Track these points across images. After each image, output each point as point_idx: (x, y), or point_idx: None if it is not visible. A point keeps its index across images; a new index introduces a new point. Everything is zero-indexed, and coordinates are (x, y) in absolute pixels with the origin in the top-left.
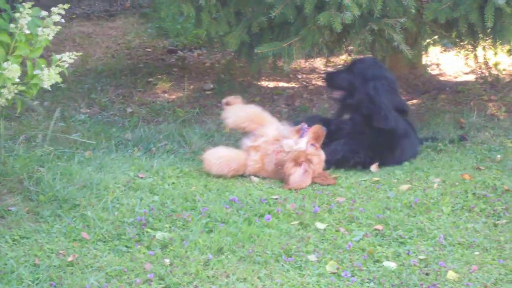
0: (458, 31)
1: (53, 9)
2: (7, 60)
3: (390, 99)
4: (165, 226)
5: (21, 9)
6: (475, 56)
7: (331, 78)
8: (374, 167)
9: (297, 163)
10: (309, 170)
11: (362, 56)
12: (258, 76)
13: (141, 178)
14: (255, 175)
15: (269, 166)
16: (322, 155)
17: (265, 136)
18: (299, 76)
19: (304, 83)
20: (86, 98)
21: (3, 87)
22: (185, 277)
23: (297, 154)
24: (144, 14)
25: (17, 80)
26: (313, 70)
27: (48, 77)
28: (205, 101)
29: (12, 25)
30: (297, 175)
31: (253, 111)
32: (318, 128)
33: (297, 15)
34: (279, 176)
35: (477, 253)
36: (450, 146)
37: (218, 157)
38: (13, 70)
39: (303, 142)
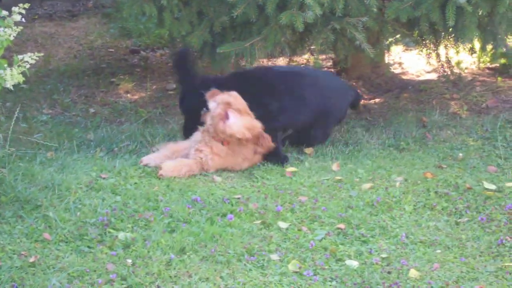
0: (420, 30)
1: (14, 8)
2: None
3: None
4: (127, 226)
5: None
6: (437, 55)
7: None
8: (335, 166)
9: (222, 115)
10: (235, 111)
11: None
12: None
13: (103, 178)
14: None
15: (219, 150)
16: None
17: (196, 138)
18: None
19: None
20: (48, 99)
21: None
22: (148, 277)
23: (216, 112)
24: (107, 14)
25: None
26: None
27: (11, 77)
28: (167, 101)
29: None
30: (232, 120)
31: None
32: (212, 92)
33: (259, 15)
34: (236, 157)
35: (439, 251)
36: (412, 144)
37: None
38: None
39: (211, 104)
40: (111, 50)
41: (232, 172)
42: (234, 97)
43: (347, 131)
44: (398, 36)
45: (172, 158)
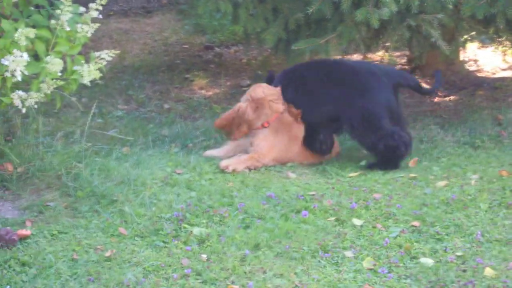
0: (496, 27)
1: (91, 5)
2: (48, 55)
3: None
4: (202, 221)
5: (61, 6)
6: None
7: None
8: (412, 162)
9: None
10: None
11: None
12: None
13: (178, 174)
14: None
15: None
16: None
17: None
18: None
19: None
20: (123, 95)
21: (43, 82)
22: (222, 272)
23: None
24: (181, 11)
25: (59, 74)
26: None
27: (88, 73)
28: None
29: (52, 21)
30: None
31: None
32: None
33: (334, 12)
34: (289, 149)
35: None
36: (487, 142)
37: None
38: (55, 64)
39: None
40: (185, 46)
41: (307, 168)
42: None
43: (422, 128)
44: (473, 33)
45: (234, 153)
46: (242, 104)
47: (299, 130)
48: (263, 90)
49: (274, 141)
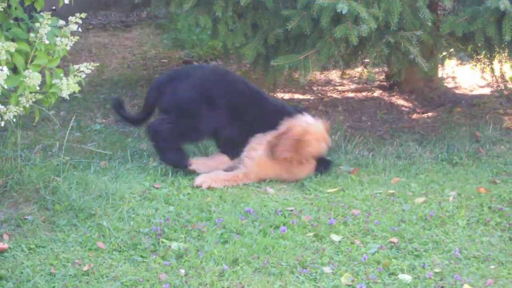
0: (475, 44)
1: (71, 18)
2: (27, 69)
3: None
4: (181, 236)
5: (40, 19)
6: (491, 70)
7: None
8: (394, 181)
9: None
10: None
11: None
12: (274, 88)
13: (157, 188)
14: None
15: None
16: None
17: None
18: (315, 88)
19: (319, 95)
20: (102, 108)
21: (21, 95)
22: (200, 287)
23: None
24: (160, 25)
25: (38, 88)
26: (328, 83)
27: (67, 86)
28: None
29: (31, 35)
30: None
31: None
32: None
33: (313, 28)
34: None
35: (492, 267)
36: (465, 159)
37: None
38: (34, 78)
39: None
40: (164, 60)
41: (285, 184)
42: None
43: (400, 144)
44: (452, 50)
45: (218, 168)
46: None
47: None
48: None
49: (266, 167)
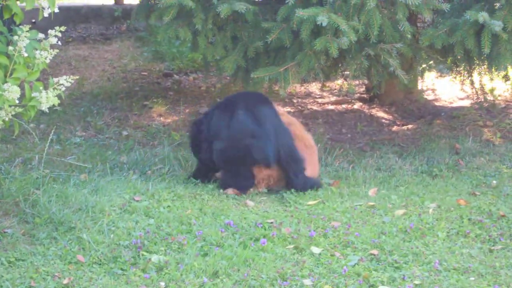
0: (454, 56)
1: (50, 31)
2: (6, 82)
3: None
4: (161, 249)
5: (19, 32)
6: (471, 82)
7: None
8: (372, 192)
9: None
10: None
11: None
12: None
13: (137, 201)
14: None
15: None
16: None
17: None
18: (295, 101)
19: (300, 107)
20: (81, 121)
21: (0, 109)
22: None
23: None
24: (140, 38)
25: (17, 101)
26: (308, 95)
27: (47, 99)
28: None
29: (10, 48)
30: None
31: None
32: None
33: (293, 40)
34: None
35: (472, 278)
36: (445, 171)
37: None
38: (13, 91)
39: None
40: (144, 73)
41: (265, 196)
42: None
43: (380, 156)
44: (431, 62)
45: None
46: None
47: None
48: None
49: None
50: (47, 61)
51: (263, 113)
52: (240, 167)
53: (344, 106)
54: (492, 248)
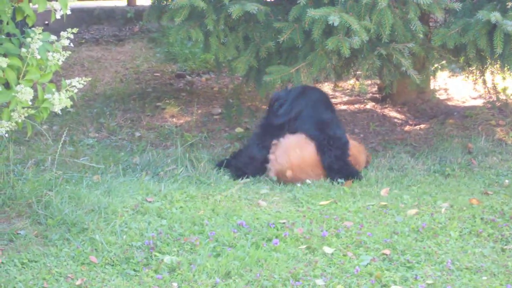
0: (466, 56)
1: (62, 33)
2: (19, 84)
3: None
4: (173, 250)
5: (32, 34)
6: (483, 81)
7: None
8: (384, 191)
9: None
10: None
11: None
12: (266, 100)
13: (149, 202)
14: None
15: None
16: None
17: None
18: None
19: None
20: (94, 123)
21: (13, 110)
22: None
23: None
24: (153, 39)
25: (30, 103)
26: None
27: (59, 101)
28: (213, 125)
29: (23, 50)
30: None
31: None
32: None
33: (305, 40)
34: None
35: (485, 278)
36: (457, 171)
37: None
38: (26, 93)
39: None
40: (157, 74)
41: (278, 196)
42: None
43: (393, 156)
44: (443, 62)
45: None
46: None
47: None
48: None
49: None
50: (60, 63)
51: None
52: None
53: (356, 106)
54: (505, 247)
